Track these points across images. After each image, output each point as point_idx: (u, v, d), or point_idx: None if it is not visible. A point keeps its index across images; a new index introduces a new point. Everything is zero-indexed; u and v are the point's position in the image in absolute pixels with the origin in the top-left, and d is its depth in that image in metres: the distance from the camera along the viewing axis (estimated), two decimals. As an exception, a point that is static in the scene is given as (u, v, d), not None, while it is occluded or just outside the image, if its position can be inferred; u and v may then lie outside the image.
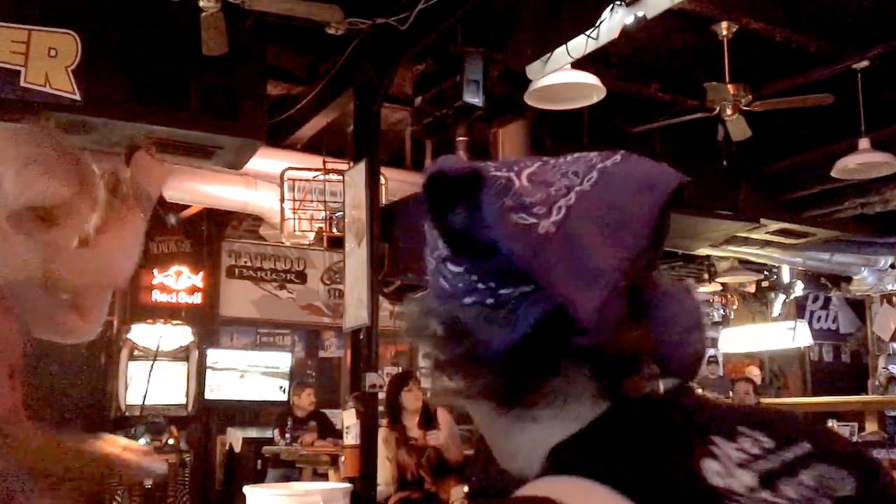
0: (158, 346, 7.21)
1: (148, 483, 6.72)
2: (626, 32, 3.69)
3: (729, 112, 4.80)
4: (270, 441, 7.23)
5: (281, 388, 8.28)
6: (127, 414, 7.32)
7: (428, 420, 5.33)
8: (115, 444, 1.76)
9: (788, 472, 0.63)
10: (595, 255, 0.63)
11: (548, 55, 4.05)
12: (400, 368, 8.85)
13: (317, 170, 5.74)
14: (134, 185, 1.87)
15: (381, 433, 5.13)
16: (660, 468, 0.60)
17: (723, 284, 9.38)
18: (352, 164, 5.09)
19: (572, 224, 0.64)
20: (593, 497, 0.57)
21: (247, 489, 4.90)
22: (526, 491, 0.60)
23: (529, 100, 4.49)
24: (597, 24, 3.71)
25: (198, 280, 8.13)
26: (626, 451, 0.62)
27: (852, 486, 0.64)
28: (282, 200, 5.76)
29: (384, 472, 5.07)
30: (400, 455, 5.16)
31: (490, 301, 0.66)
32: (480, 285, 0.66)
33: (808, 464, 0.64)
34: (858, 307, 10.58)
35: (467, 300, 0.67)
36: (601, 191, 0.66)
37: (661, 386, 0.68)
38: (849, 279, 9.26)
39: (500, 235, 0.63)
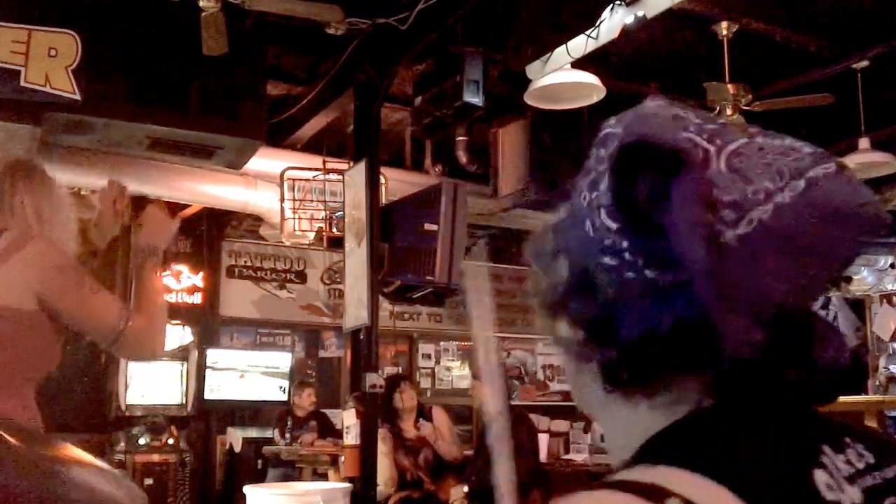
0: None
1: (148, 480, 6.74)
2: (626, 32, 3.69)
3: (729, 112, 4.80)
4: (270, 441, 7.23)
5: (281, 388, 8.27)
6: (127, 414, 7.32)
7: (423, 419, 5.36)
8: (99, 472, 1.81)
9: (891, 490, 0.61)
10: (768, 284, 0.59)
11: (548, 55, 4.05)
12: (399, 369, 8.86)
13: (317, 170, 5.73)
14: (145, 238, 2.05)
15: (380, 433, 5.14)
16: (774, 473, 0.58)
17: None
18: (352, 163, 5.09)
19: (759, 244, 0.59)
20: (703, 490, 0.55)
21: (247, 489, 4.91)
22: (629, 476, 0.58)
23: (529, 100, 4.49)
24: (597, 24, 3.71)
25: (198, 280, 8.13)
26: (737, 450, 0.59)
27: None
28: (282, 200, 5.76)
29: (383, 473, 5.08)
30: (398, 456, 5.17)
31: (629, 274, 0.62)
32: (627, 255, 0.62)
33: None
34: (858, 307, 10.58)
35: (605, 259, 0.63)
36: (801, 210, 0.60)
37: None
38: (849, 279, 9.26)
39: (678, 228, 0.59)
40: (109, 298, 1.89)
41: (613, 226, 0.62)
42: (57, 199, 2.04)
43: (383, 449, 5.08)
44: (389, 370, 8.27)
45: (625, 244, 0.62)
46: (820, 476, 0.58)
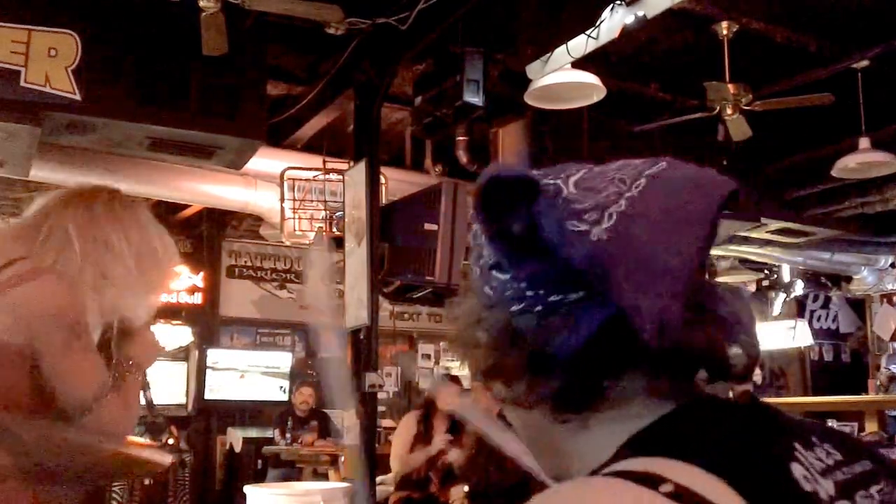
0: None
1: (148, 480, 6.73)
2: (626, 32, 3.69)
3: (729, 112, 4.80)
4: (271, 441, 7.23)
5: (281, 388, 8.28)
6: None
7: (455, 429, 5.33)
8: (119, 439, 1.77)
9: (862, 484, 0.64)
10: (652, 259, 0.63)
11: (548, 55, 4.05)
12: (399, 368, 8.87)
13: (317, 170, 5.73)
14: (131, 357, 1.86)
15: (410, 418, 5.18)
16: (758, 463, 0.60)
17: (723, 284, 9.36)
18: (352, 163, 5.09)
19: (625, 229, 0.64)
20: (695, 477, 0.57)
21: (247, 489, 4.91)
22: (621, 467, 0.60)
23: (529, 100, 4.49)
24: (597, 24, 3.71)
25: (198, 280, 8.13)
26: (721, 442, 0.61)
27: None
28: (282, 200, 5.76)
29: (398, 448, 5.10)
30: (414, 456, 5.16)
31: (539, 308, 0.66)
32: (529, 292, 0.66)
33: (877, 480, 0.65)
34: (858, 307, 10.58)
35: (515, 307, 0.67)
36: (652, 196, 0.66)
37: (717, 389, 0.69)
38: (849, 279, 9.26)
39: (556, 242, 0.63)
40: (94, 367, 1.69)
41: (506, 276, 0.67)
42: (141, 237, 1.76)
43: (409, 429, 5.11)
44: (389, 370, 8.28)
45: (523, 285, 0.66)
46: (796, 468, 0.61)
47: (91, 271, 1.70)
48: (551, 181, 0.67)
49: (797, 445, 0.63)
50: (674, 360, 0.64)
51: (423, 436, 5.20)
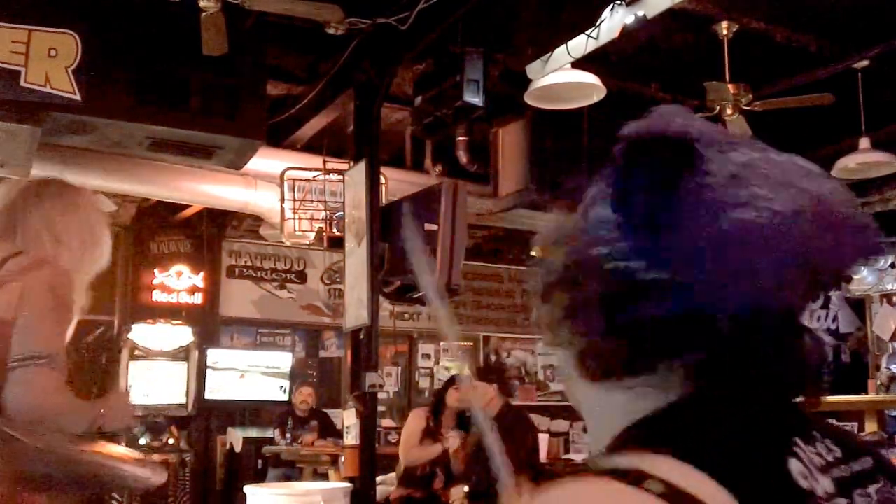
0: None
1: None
2: (626, 32, 3.69)
3: (729, 112, 4.80)
4: (271, 441, 7.23)
5: (281, 388, 8.27)
6: (127, 414, 7.32)
7: (462, 425, 5.33)
8: (112, 453, 1.79)
9: (860, 483, 0.63)
10: (763, 286, 0.61)
11: (548, 55, 4.05)
12: (399, 368, 8.87)
13: (317, 170, 5.73)
14: (108, 425, 1.93)
15: (419, 412, 5.20)
16: (752, 460, 0.60)
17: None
18: (352, 163, 5.09)
19: (755, 247, 0.61)
20: (683, 474, 0.56)
21: (247, 489, 4.91)
22: (610, 464, 0.59)
23: (529, 100, 4.49)
24: (597, 24, 3.72)
25: (198, 280, 8.13)
26: (715, 438, 0.61)
27: None
28: (282, 200, 5.76)
29: (408, 440, 5.13)
30: (419, 451, 5.16)
31: (620, 265, 0.63)
32: (618, 243, 0.63)
33: (875, 478, 0.65)
34: (858, 307, 10.58)
35: (601, 249, 0.64)
36: (797, 217, 0.62)
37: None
38: (848, 279, 9.24)
39: (683, 223, 0.61)
40: (57, 335, 1.80)
41: (610, 217, 0.64)
42: (81, 221, 1.99)
43: (419, 423, 5.13)
44: (389, 370, 8.28)
45: (617, 235, 0.63)
46: (794, 465, 0.60)
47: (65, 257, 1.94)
48: (706, 152, 0.64)
49: (798, 440, 0.63)
50: (733, 370, 0.63)
51: (431, 430, 5.21)
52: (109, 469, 1.73)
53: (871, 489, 0.63)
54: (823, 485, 0.61)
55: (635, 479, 0.56)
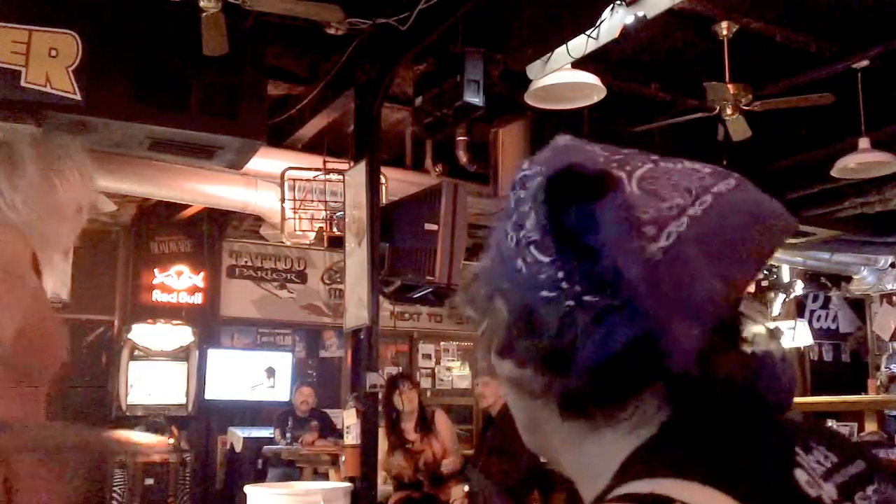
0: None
1: (149, 480, 6.74)
2: (626, 32, 3.69)
3: (729, 112, 4.80)
4: (271, 441, 7.23)
5: (281, 388, 8.28)
6: (128, 413, 7.33)
7: (425, 423, 5.34)
8: (120, 433, 1.79)
9: (859, 486, 0.64)
10: (700, 290, 0.61)
11: (548, 55, 4.05)
12: (399, 368, 8.87)
13: (317, 170, 5.74)
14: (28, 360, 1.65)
15: (383, 432, 5.16)
16: (761, 474, 0.60)
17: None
18: (352, 163, 5.09)
19: (681, 253, 0.62)
20: (701, 495, 0.56)
21: (247, 489, 4.91)
22: (626, 490, 0.59)
23: (529, 100, 4.49)
24: (597, 24, 3.71)
25: (198, 280, 8.13)
26: (722, 456, 0.61)
27: None
28: (282, 200, 5.76)
29: (384, 464, 5.11)
30: (396, 459, 5.16)
31: (569, 303, 0.63)
32: (565, 284, 0.63)
33: (871, 480, 0.65)
34: (858, 307, 10.59)
35: (544, 293, 0.64)
36: (715, 220, 0.64)
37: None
38: (849, 278, 9.27)
39: (610, 249, 0.61)
40: (19, 305, 1.56)
41: (546, 259, 0.64)
42: (31, 183, 1.74)
43: (383, 442, 5.10)
44: (389, 370, 8.28)
45: (560, 275, 0.63)
46: (800, 475, 0.61)
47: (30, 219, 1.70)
48: (616, 172, 0.65)
49: (798, 450, 0.63)
50: (698, 386, 0.63)
51: (396, 443, 5.22)
52: (109, 434, 1.73)
53: (870, 490, 0.64)
54: (828, 491, 0.61)
55: (656, 502, 0.56)
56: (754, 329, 0.68)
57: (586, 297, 0.63)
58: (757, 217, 0.66)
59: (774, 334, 0.69)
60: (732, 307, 0.65)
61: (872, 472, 0.66)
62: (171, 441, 7.17)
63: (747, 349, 0.66)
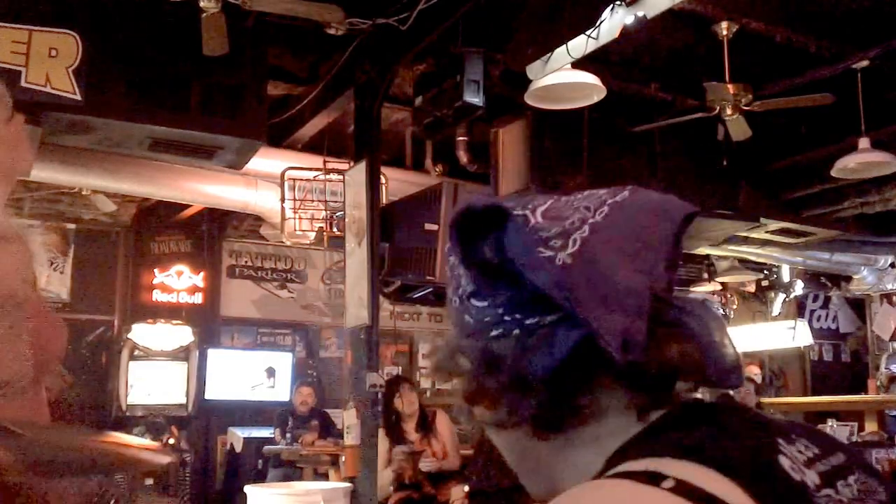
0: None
1: (149, 480, 6.73)
2: (626, 32, 3.69)
3: (729, 112, 4.80)
4: (271, 441, 7.23)
5: (281, 388, 8.28)
6: (128, 414, 7.33)
7: (425, 424, 5.33)
8: (118, 440, 1.77)
9: (840, 475, 0.66)
10: (616, 281, 0.66)
11: (548, 55, 4.05)
12: (399, 369, 8.86)
13: (317, 170, 5.74)
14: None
15: (383, 436, 5.15)
16: (749, 456, 0.62)
17: (722, 284, 9.39)
18: (352, 163, 5.09)
19: (589, 254, 0.67)
20: (694, 471, 0.59)
21: (247, 489, 4.91)
22: (624, 468, 0.62)
23: (529, 100, 4.49)
24: (597, 24, 3.71)
25: (198, 280, 8.14)
26: (711, 440, 0.63)
27: (885, 495, 0.68)
28: (282, 200, 5.76)
29: (382, 478, 5.09)
30: (396, 460, 5.15)
31: (516, 332, 0.69)
32: (506, 317, 0.70)
33: (852, 471, 0.67)
34: (858, 306, 10.58)
35: (494, 332, 0.70)
36: (615, 221, 0.70)
37: (707, 396, 0.72)
38: (849, 278, 9.26)
39: (524, 268, 0.67)
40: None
41: (484, 304, 0.71)
42: None
43: (383, 445, 5.08)
44: (389, 370, 8.28)
45: (500, 311, 0.70)
46: (784, 461, 0.63)
47: None
48: (519, 212, 0.71)
49: (780, 440, 0.65)
50: (647, 375, 0.67)
51: (395, 445, 5.20)
52: (113, 450, 1.71)
53: (851, 479, 0.66)
54: (811, 477, 0.63)
55: (651, 477, 0.58)
56: (690, 313, 0.71)
57: (528, 321, 0.69)
58: (654, 210, 0.72)
59: (709, 314, 0.72)
60: (663, 296, 0.69)
61: (853, 465, 0.68)
62: (172, 441, 7.17)
63: (683, 334, 0.69)
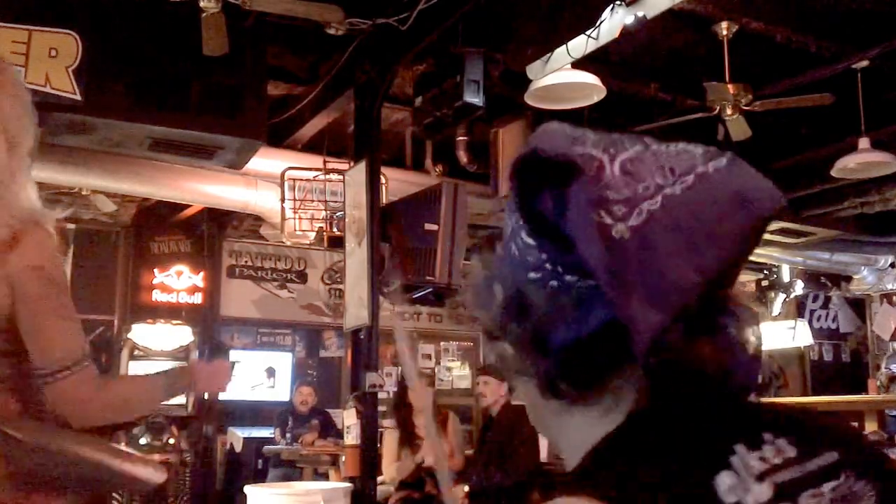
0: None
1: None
2: (626, 32, 3.69)
3: (729, 112, 4.80)
4: (271, 441, 7.23)
5: (281, 388, 8.28)
6: (127, 414, 7.32)
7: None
8: (114, 452, 1.76)
9: (812, 482, 0.61)
10: (665, 272, 0.61)
11: (548, 55, 4.05)
12: (399, 368, 8.86)
13: (317, 170, 5.74)
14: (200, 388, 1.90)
15: (391, 433, 5.17)
16: (674, 487, 0.59)
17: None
18: (352, 163, 5.09)
19: (650, 235, 0.62)
20: None
21: (247, 489, 4.91)
22: None
23: (529, 100, 4.49)
24: (597, 24, 3.71)
25: (198, 280, 8.13)
26: (644, 465, 0.61)
27: (876, 498, 0.62)
28: (282, 200, 5.76)
29: (388, 472, 5.10)
30: (403, 455, 5.16)
31: (554, 283, 0.65)
32: (548, 265, 0.65)
33: (837, 474, 0.62)
34: (858, 306, 10.59)
35: (532, 275, 0.66)
36: (693, 198, 0.63)
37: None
38: (849, 278, 9.26)
39: (577, 234, 0.62)
40: (73, 329, 1.59)
41: (533, 242, 0.66)
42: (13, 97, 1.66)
43: (391, 446, 5.09)
44: (389, 370, 8.28)
45: (544, 256, 0.65)
46: (723, 479, 0.59)
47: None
48: (598, 156, 0.65)
49: (738, 448, 0.61)
50: (667, 380, 0.64)
51: (405, 441, 5.21)
52: (109, 467, 1.70)
53: (826, 487, 0.61)
54: (756, 493, 0.59)
55: None
56: (738, 319, 0.67)
57: (567, 278, 0.64)
58: (740, 197, 0.65)
59: (754, 324, 0.68)
60: (707, 294, 0.64)
61: (845, 465, 0.63)
62: (172, 441, 7.17)
63: (723, 340, 0.66)
